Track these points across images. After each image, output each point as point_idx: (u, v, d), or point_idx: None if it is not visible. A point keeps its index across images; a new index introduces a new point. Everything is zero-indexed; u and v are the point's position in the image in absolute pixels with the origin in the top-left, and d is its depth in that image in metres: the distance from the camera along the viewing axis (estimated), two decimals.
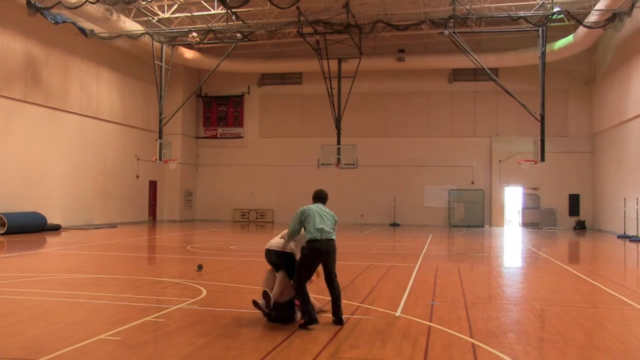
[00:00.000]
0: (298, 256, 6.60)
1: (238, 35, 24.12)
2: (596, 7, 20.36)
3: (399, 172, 30.76)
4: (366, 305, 7.54)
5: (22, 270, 10.75)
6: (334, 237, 6.55)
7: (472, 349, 5.51)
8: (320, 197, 6.89)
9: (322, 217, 6.54)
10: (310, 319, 6.21)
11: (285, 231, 6.75)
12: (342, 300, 6.60)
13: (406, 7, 23.33)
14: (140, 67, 28.47)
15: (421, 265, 12.19)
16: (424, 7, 22.84)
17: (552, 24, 22.99)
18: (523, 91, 25.32)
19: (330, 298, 6.54)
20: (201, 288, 8.66)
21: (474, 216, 29.97)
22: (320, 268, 6.64)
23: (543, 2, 21.28)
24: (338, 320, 6.41)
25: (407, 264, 12.58)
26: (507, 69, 28.32)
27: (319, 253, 6.43)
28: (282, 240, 6.71)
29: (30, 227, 20.17)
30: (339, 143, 26.48)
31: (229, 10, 22.01)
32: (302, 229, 6.58)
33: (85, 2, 19.21)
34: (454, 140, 30.50)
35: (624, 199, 23.10)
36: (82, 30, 21.96)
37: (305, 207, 6.63)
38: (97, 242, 17.33)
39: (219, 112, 33.46)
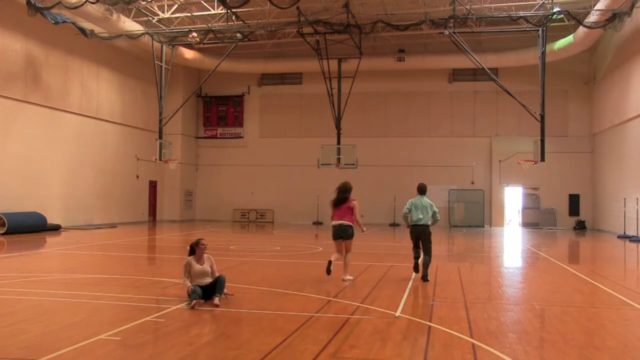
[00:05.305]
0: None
1: (238, 35, 24.12)
2: (596, 7, 20.36)
3: (399, 172, 30.72)
4: (366, 305, 7.54)
5: (22, 270, 10.74)
6: (426, 222, 9.76)
7: (472, 349, 5.51)
8: (420, 190, 10.07)
9: (417, 208, 9.82)
10: None
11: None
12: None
13: (406, 7, 23.33)
14: (140, 67, 28.47)
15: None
16: (424, 7, 22.83)
17: (552, 24, 22.96)
18: (523, 91, 25.35)
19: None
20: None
21: (474, 216, 29.96)
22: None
23: (543, 2, 21.28)
24: (423, 277, 9.74)
25: (407, 264, 12.55)
26: (507, 69, 28.31)
27: (412, 233, 9.95)
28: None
29: (30, 227, 20.16)
30: (339, 143, 26.45)
31: (229, 10, 22.01)
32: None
33: (85, 2, 19.21)
34: (454, 140, 30.49)
35: (624, 199, 23.09)
36: (82, 30, 21.96)
37: (410, 200, 9.96)
38: (97, 242, 17.32)
39: (219, 112, 33.45)
